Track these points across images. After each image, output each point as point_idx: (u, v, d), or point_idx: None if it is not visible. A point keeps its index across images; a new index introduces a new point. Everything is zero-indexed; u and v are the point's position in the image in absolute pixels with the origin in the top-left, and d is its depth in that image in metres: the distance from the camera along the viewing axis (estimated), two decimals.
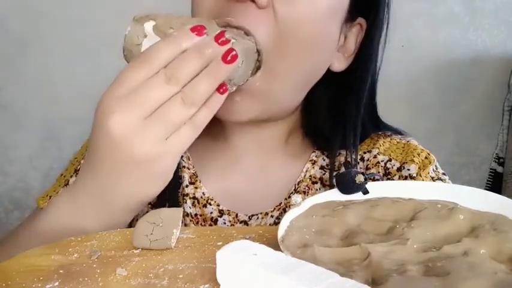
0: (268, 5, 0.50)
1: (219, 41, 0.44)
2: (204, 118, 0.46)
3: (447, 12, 1.60)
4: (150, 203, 0.61)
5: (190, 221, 0.61)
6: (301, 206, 0.43)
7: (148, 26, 0.47)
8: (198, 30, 0.45)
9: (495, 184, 1.66)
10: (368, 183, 0.46)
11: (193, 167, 0.63)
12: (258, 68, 0.51)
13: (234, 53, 0.44)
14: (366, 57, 0.60)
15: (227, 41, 0.44)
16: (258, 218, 0.59)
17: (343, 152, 0.62)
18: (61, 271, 0.37)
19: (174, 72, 0.43)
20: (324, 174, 0.61)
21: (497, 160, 1.67)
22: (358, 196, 0.46)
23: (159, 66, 0.44)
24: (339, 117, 0.62)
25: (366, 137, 0.64)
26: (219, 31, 0.45)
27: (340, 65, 0.59)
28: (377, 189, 0.46)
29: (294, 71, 0.54)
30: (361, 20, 0.59)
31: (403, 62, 1.58)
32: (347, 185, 0.46)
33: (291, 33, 0.51)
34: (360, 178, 0.46)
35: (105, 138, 0.44)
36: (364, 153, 0.62)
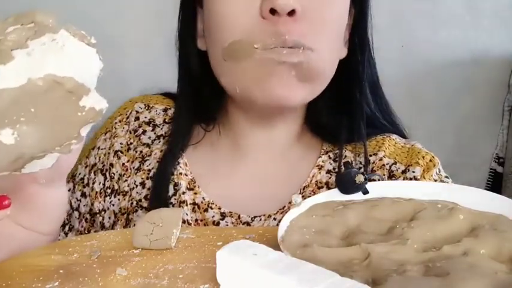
0: (302, 16, 0.53)
1: None
2: None
3: (447, 12, 1.60)
4: (145, 208, 0.61)
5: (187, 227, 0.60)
6: (301, 206, 0.43)
7: None
8: None
9: (495, 184, 1.66)
10: (368, 183, 0.46)
11: (191, 172, 0.63)
12: None
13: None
14: (360, 40, 0.63)
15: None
16: (260, 219, 0.59)
17: (349, 155, 0.62)
18: (61, 271, 0.37)
19: None
20: (330, 178, 0.61)
21: (497, 160, 1.66)
22: (358, 196, 0.46)
23: None
24: (344, 107, 0.63)
25: (374, 129, 0.64)
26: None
27: (344, 52, 0.62)
28: (377, 189, 0.46)
29: (329, 59, 0.58)
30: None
31: (403, 62, 1.58)
32: (347, 185, 0.46)
33: (325, 30, 0.56)
34: (360, 178, 0.46)
35: None
36: (370, 155, 0.62)
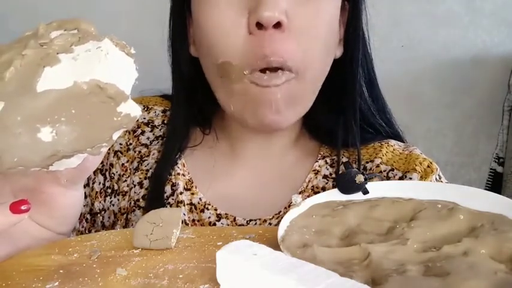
0: (289, 27, 0.52)
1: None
2: None
3: (447, 12, 1.60)
4: (143, 208, 0.61)
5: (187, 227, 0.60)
6: (301, 206, 0.43)
7: None
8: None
9: (495, 184, 1.66)
10: (368, 183, 0.46)
11: (189, 173, 0.63)
12: None
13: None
14: (354, 37, 0.61)
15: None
16: (256, 223, 0.59)
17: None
18: (61, 271, 0.37)
19: None
20: (327, 183, 0.61)
21: (497, 160, 1.66)
22: (358, 196, 0.46)
23: None
24: (339, 105, 0.63)
25: (372, 133, 0.64)
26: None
27: (339, 51, 0.61)
28: (377, 189, 0.46)
29: (318, 72, 0.57)
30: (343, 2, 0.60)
31: (403, 62, 1.58)
32: (347, 185, 0.46)
33: (313, 41, 0.54)
34: (360, 178, 0.46)
35: None
36: (367, 162, 0.62)
